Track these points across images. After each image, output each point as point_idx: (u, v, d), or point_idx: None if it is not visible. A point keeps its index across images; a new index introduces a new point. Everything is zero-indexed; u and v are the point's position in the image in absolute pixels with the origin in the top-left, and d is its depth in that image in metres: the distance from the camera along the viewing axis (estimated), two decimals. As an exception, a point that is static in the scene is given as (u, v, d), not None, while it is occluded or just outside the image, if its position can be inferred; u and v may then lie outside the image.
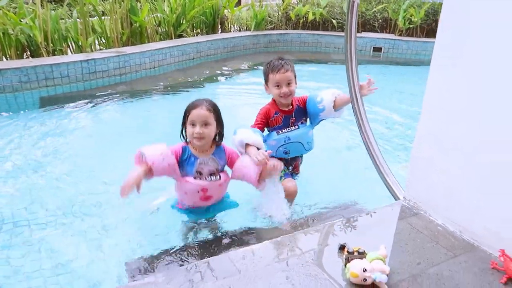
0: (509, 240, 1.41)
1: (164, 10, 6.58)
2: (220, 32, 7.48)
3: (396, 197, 1.93)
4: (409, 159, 1.79)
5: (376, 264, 1.30)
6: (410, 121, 4.18)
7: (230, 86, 5.47)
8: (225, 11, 7.40)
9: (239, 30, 7.75)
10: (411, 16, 7.31)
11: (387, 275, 1.29)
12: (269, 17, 7.79)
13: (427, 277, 1.36)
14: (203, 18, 6.95)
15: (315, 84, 5.48)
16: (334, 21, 7.65)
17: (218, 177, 2.15)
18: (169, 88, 5.13)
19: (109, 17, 5.77)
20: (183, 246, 2.08)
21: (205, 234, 2.19)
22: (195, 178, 2.11)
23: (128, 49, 5.46)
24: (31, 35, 4.87)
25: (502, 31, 1.35)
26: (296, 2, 8.17)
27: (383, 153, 2.13)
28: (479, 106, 1.45)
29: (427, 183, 1.73)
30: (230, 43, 6.90)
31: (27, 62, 4.57)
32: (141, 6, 6.18)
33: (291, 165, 2.56)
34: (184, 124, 2.14)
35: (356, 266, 1.31)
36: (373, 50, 7.33)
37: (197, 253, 2.02)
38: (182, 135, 2.17)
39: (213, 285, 1.31)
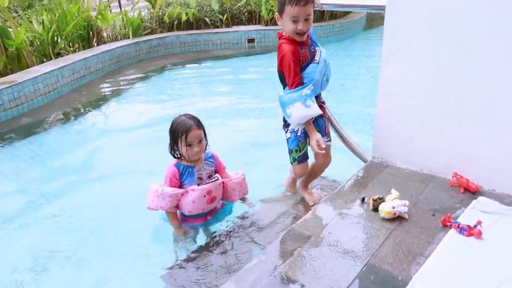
0: (455, 167, 2.18)
1: (34, 28, 6.11)
2: (96, 44, 7.23)
3: (364, 160, 2.60)
4: (373, 127, 2.46)
5: (397, 202, 1.92)
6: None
7: (128, 99, 5.47)
8: (98, 21, 7.16)
9: (115, 39, 7.59)
10: (272, 7, 8.23)
11: (407, 206, 1.92)
12: (142, 22, 7.81)
13: (421, 201, 2.04)
14: (80, 32, 6.65)
15: (212, 86, 5.95)
16: (206, 19, 8.10)
17: (216, 177, 2.49)
18: (72, 113, 4.92)
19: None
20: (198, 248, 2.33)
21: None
22: (198, 185, 2.43)
23: (17, 77, 5.01)
24: None
25: (439, 15, 2.06)
26: (165, 5, 8.33)
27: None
28: (425, 75, 2.16)
29: (389, 142, 2.42)
30: (114, 54, 6.78)
31: None
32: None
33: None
34: (174, 143, 2.40)
35: (386, 206, 1.90)
36: (248, 42, 8.06)
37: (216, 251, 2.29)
38: (175, 153, 2.44)
39: (303, 248, 1.75)
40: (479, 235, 1.74)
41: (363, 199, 2.06)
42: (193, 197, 2.40)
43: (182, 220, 2.55)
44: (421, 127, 2.25)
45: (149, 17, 8.08)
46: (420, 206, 2.01)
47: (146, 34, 7.77)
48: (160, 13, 8.06)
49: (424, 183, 2.22)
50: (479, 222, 1.78)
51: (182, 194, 2.40)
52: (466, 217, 1.88)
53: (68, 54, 6.41)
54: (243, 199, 2.68)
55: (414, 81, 2.19)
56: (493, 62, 1.92)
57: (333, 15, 8.66)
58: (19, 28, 5.56)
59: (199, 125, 2.37)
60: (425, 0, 2.02)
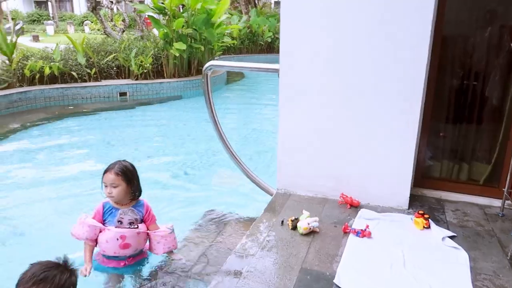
0: (342, 189, 2.86)
1: None
2: None
3: (270, 193, 3.11)
4: (276, 163, 3.01)
5: (310, 219, 2.46)
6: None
7: None
8: None
9: (-37, 94, 6.77)
10: (141, 62, 8.54)
11: (317, 222, 2.47)
12: (-2, 75, 7.18)
13: (324, 218, 2.62)
14: None
15: (78, 139, 5.85)
16: (73, 73, 7.90)
17: (136, 226, 2.63)
18: None
19: None
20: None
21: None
22: (116, 227, 2.55)
23: None
24: None
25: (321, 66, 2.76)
26: (24, 58, 7.82)
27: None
28: (311, 116, 2.82)
29: (290, 176, 3.00)
30: (-33, 110, 6.08)
31: None
32: None
33: None
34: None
35: (302, 223, 2.42)
36: (120, 95, 8.13)
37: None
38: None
39: (250, 265, 2.11)
40: (369, 235, 2.38)
41: (282, 222, 2.55)
42: (107, 237, 2.51)
43: (102, 262, 2.60)
44: (313, 162, 2.89)
45: (5, 70, 7.48)
46: (324, 221, 2.59)
47: (2, 89, 7.15)
48: (18, 66, 7.55)
49: (321, 204, 2.83)
50: (367, 226, 2.43)
51: (101, 231, 2.52)
52: (357, 224, 2.53)
53: None
54: (169, 253, 2.71)
55: (305, 127, 2.85)
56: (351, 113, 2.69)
57: (199, 71, 9.40)
58: None
59: (119, 172, 2.48)
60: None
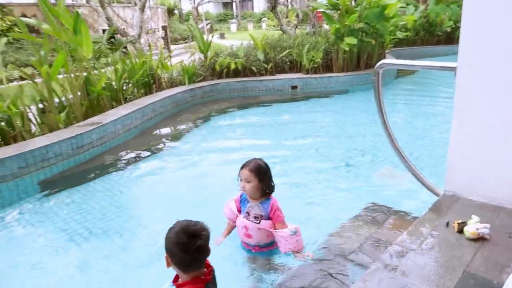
0: (521, 198, 2.63)
1: (109, 77, 6.91)
2: (156, 90, 8.02)
3: (436, 194, 3.05)
4: (446, 163, 2.93)
5: (480, 225, 2.37)
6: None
7: (191, 139, 6.08)
8: (158, 70, 7.98)
9: (171, 86, 8.38)
10: (312, 57, 8.98)
11: (488, 229, 2.36)
12: (196, 70, 8.63)
13: (496, 227, 2.47)
14: (146, 79, 7.45)
15: (253, 127, 6.52)
16: (253, 67, 8.88)
17: (258, 221, 2.81)
18: (149, 151, 5.55)
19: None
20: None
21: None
22: (244, 217, 2.87)
23: (102, 119, 5.72)
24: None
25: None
26: (214, 55, 9.17)
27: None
28: (498, 106, 2.64)
29: (460, 178, 2.88)
30: (175, 99, 7.53)
31: (23, 146, 4.58)
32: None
33: None
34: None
35: (471, 228, 2.35)
36: (291, 88, 8.76)
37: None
38: None
39: (409, 259, 2.20)
40: (552, 252, 2.16)
41: (447, 223, 2.51)
42: (238, 223, 2.90)
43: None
44: (490, 164, 2.71)
45: (201, 66, 8.91)
46: (496, 230, 2.44)
47: (198, 81, 8.56)
48: (211, 62, 8.89)
49: (495, 212, 2.65)
50: (551, 242, 2.20)
51: (237, 216, 2.92)
52: (538, 239, 2.31)
53: (134, 99, 7.16)
54: (294, 253, 2.81)
55: (483, 124, 2.68)
56: (552, 114, 2.41)
57: (368, 65, 9.35)
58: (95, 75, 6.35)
59: (252, 169, 2.73)
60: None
